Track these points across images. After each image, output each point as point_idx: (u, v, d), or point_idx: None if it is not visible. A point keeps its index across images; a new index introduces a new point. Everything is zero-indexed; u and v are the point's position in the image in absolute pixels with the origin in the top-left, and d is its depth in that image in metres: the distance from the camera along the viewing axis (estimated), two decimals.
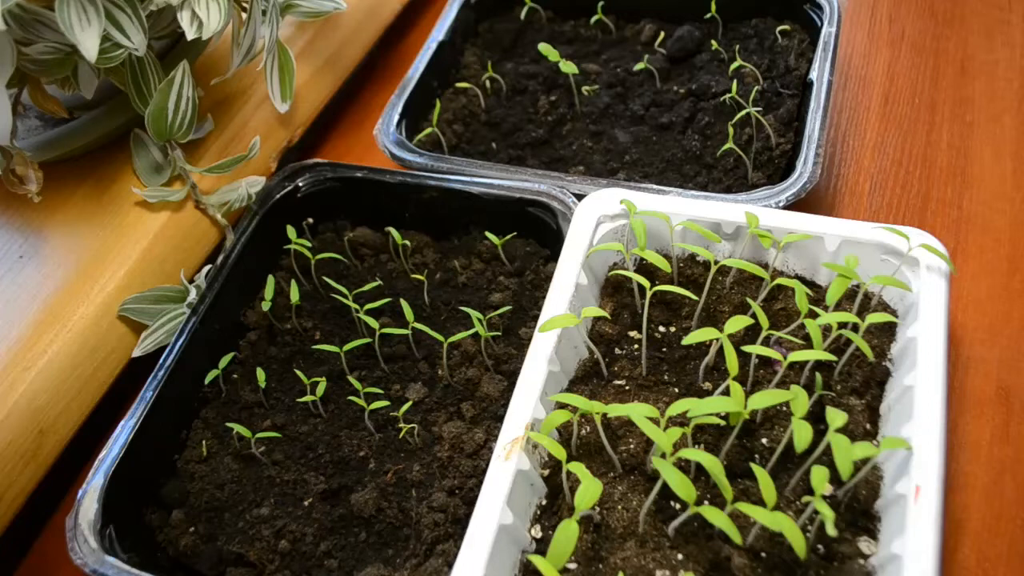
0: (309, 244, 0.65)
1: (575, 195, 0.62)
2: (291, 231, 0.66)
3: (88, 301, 0.60)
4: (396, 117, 0.71)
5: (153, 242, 0.64)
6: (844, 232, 0.53)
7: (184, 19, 0.57)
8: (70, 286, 0.61)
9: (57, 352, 0.58)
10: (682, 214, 0.56)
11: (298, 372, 0.60)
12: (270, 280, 0.65)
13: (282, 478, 0.56)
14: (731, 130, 0.67)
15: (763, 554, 0.43)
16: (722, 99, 0.71)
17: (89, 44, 0.52)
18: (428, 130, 0.73)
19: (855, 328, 0.48)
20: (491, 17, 0.85)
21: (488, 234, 0.64)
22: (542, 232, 0.64)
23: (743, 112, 0.67)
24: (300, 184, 0.68)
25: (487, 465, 0.46)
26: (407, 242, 0.66)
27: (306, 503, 0.54)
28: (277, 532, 0.53)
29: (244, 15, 0.62)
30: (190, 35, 0.57)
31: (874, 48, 0.80)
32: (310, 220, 0.69)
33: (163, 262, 0.64)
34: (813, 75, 0.67)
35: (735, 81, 0.70)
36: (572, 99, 0.76)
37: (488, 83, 0.78)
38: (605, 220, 0.57)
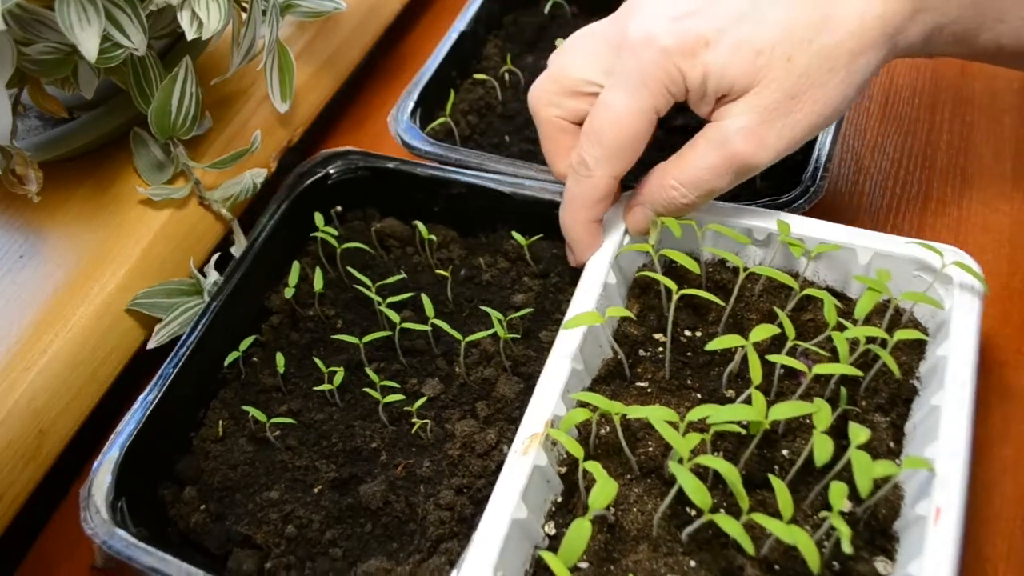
0: (336, 232, 0.65)
1: None
2: (319, 218, 0.66)
3: (88, 301, 0.60)
4: (411, 105, 0.71)
5: (155, 240, 0.63)
6: (877, 245, 0.52)
7: (184, 19, 0.57)
8: (70, 286, 0.60)
9: (57, 352, 0.57)
10: (710, 218, 0.55)
11: (317, 360, 0.60)
12: (295, 266, 0.65)
13: (294, 463, 0.56)
14: None
15: (776, 567, 0.43)
16: None
17: (89, 44, 0.52)
18: (441, 119, 0.72)
19: (883, 344, 0.47)
20: (516, 9, 0.85)
21: (514, 234, 0.63)
22: None
23: None
24: (331, 171, 0.68)
25: (497, 466, 0.46)
26: (433, 236, 0.66)
27: (315, 490, 0.54)
28: (285, 516, 0.53)
29: (244, 15, 0.62)
30: (190, 35, 0.56)
31: None
32: (339, 208, 0.69)
33: (165, 260, 0.64)
34: None
35: None
36: None
37: (507, 76, 0.78)
38: None
